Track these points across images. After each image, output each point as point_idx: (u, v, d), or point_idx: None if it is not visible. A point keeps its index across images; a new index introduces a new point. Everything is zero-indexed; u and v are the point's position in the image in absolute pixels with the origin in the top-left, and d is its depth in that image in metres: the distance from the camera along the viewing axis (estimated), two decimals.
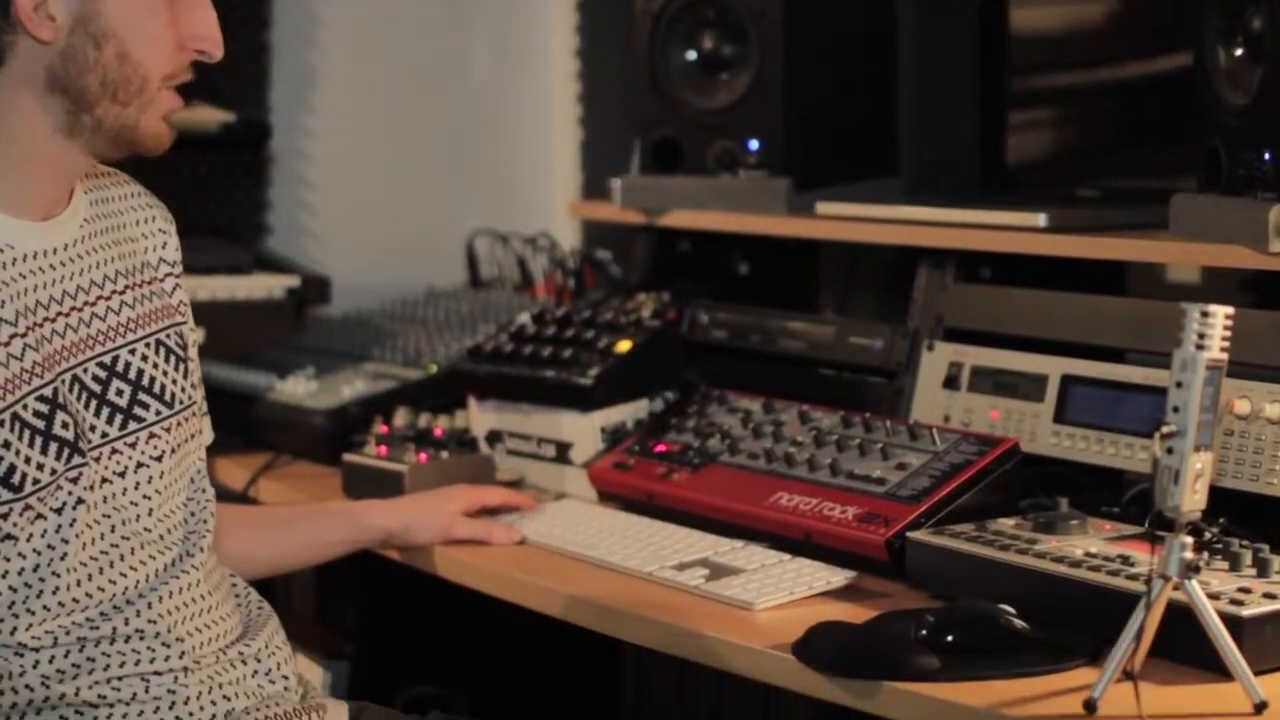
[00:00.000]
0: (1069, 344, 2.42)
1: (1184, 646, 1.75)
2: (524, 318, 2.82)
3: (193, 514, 2.03)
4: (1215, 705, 1.70)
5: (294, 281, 3.23)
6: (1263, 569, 1.89)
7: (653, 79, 2.99)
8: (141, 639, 1.91)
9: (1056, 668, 1.80)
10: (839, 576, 2.12)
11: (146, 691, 1.90)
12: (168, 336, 2.04)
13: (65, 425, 1.87)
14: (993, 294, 2.56)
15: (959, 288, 2.58)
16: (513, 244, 3.36)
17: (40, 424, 1.84)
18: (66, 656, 1.87)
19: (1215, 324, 1.69)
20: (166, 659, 1.91)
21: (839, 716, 2.00)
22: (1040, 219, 2.45)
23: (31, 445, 1.83)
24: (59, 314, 1.91)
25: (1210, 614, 1.70)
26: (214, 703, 1.94)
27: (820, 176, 2.90)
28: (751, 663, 1.95)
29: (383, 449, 2.59)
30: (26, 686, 1.85)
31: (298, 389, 2.94)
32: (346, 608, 3.02)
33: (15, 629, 1.84)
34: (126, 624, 1.90)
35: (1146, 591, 1.69)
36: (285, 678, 2.05)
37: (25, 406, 1.83)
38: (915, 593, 2.09)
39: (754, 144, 2.92)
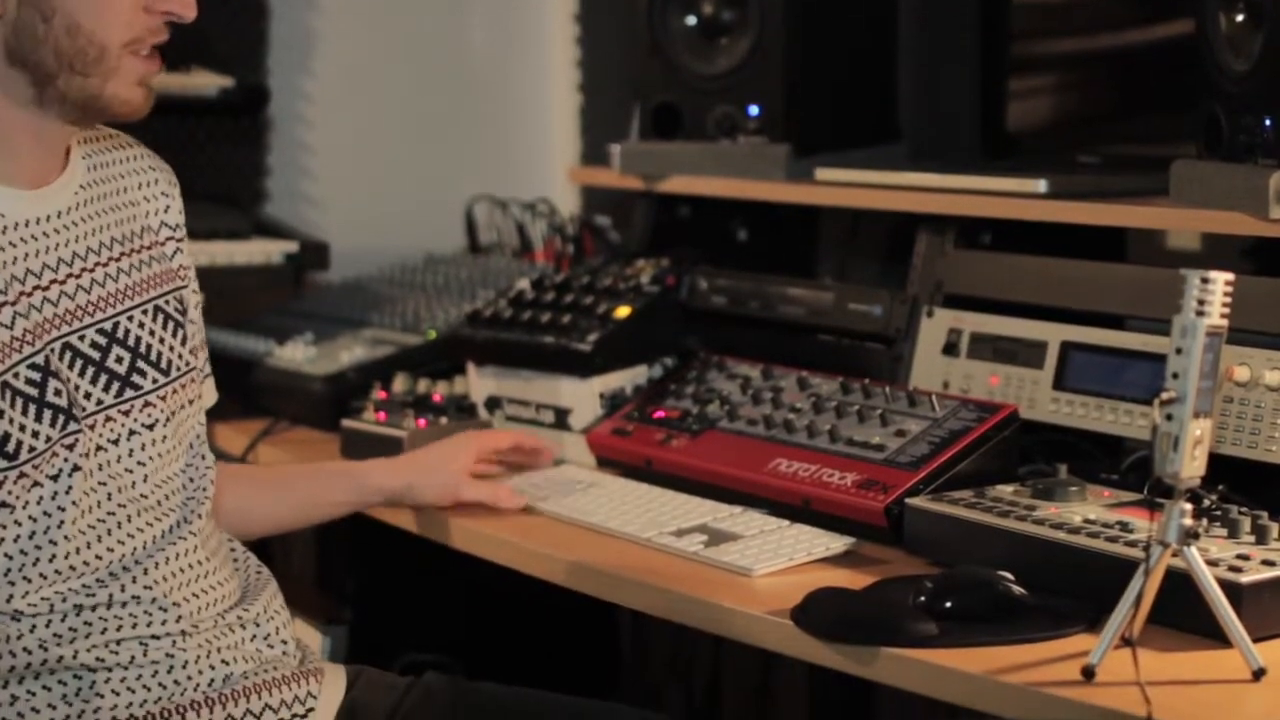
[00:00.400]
0: (1069, 310, 2.41)
1: (1182, 613, 1.75)
2: (523, 284, 2.81)
3: (191, 480, 2.03)
4: (1213, 672, 1.70)
5: (293, 247, 3.23)
6: (1261, 536, 1.89)
7: (652, 44, 2.98)
8: (139, 603, 1.91)
9: (1055, 634, 1.80)
10: (838, 543, 2.12)
11: (144, 655, 1.90)
12: (166, 302, 2.04)
13: (58, 393, 1.87)
14: (992, 260, 2.55)
15: (959, 254, 2.57)
16: (512, 210, 3.35)
17: (33, 391, 1.84)
18: (64, 621, 1.87)
19: (1215, 290, 1.69)
20: (164, 623, 1.92)
21: (837, 682, 2.00)
22: (1040, 185, 2.44)
23: (25, 413, 1.83)
24: (52, 281, 1.90)
25: (1209, 581, 1.70)
26: (212, 667, 1.94)
27: (820, 142, 2.89)
28: (750, 628, 1.95)
29: (381, 415, 2.59)
30: (25, 650, 1.85)
31: (296, 355, 2.94)
32: (345, 573, 3.02)
33: (11, 596, 1.84)
34: (123, 590, 1.90)
35: (1145, 558, 1.69)
36: (284, 642, 2.05)
37: (16, 375, 1.84)
38: (914, 559, 2.09)
39: (754, 109, 2.91)
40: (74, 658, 1.86)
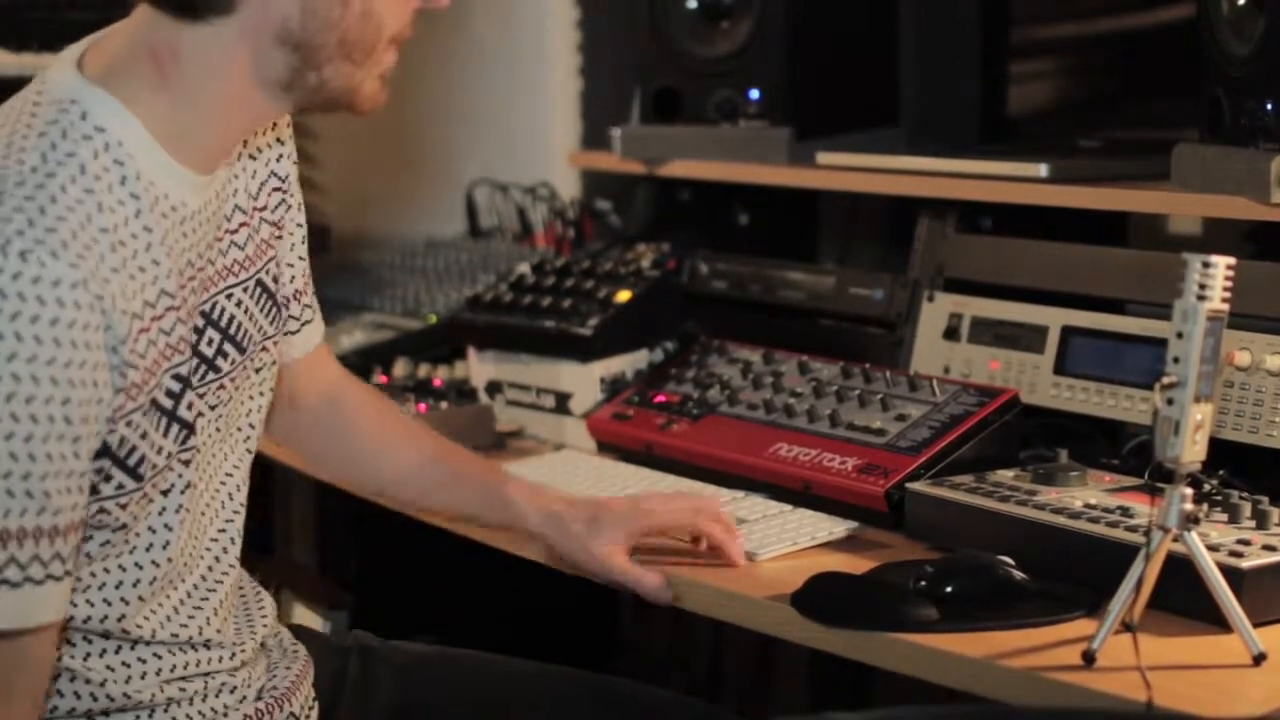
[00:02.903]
0: (1069, 295, 2.41)
1: (1183, 598, 1.75)
2: (523, 268, 2.81)
3: (238, 467, 1.88)
4: (1214, 657, 1.70)
5: None
6: (1262, 521, 1.89)
7: (653, 27, 2.98)
8: (209, 648, 1.82)
9: (1055, 619, 1.80)
10: (840, 527, 2.13)
11: (206, 686, 1.82)
12: (266, 272, 1.87)
13: (189, 406, 1.71)
14: (993, 245, 2.55)
15: (959, 238, 2.57)
16: (512, 194, 3.35)
17: (169, 404, 1.69)
18: (160, 645, 1.77)
19: (1216, 275, 1.68)
20: (220, 660, 1.83)
21: (837, 667, 2.00)
22: (1041, 169, 2.44)
23: (158, 428, 1.68)
24: (198, 271, 1.74)
25: (1209, 565, 1.70)
26: (248, 687, 1.88)
27: (821, 126, 2.89)
28: (750, 613, 1.95)
29: None
30: (108, 696, 1.74)
31: None
32: (347, 558, 3.02)
33: (124, 615, 1.72)
34: (208, 624, 1.81)
35: (1146, 543, 1.69)
36: (295, 646, 2.00)
37: (160, 386, 1.67)
38: (914, 544, 2.09)
39: (755, 93, 2.91)
40: (150, 698, 1.77)
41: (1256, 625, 1.70)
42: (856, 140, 2.85)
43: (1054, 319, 2.39)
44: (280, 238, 1.92)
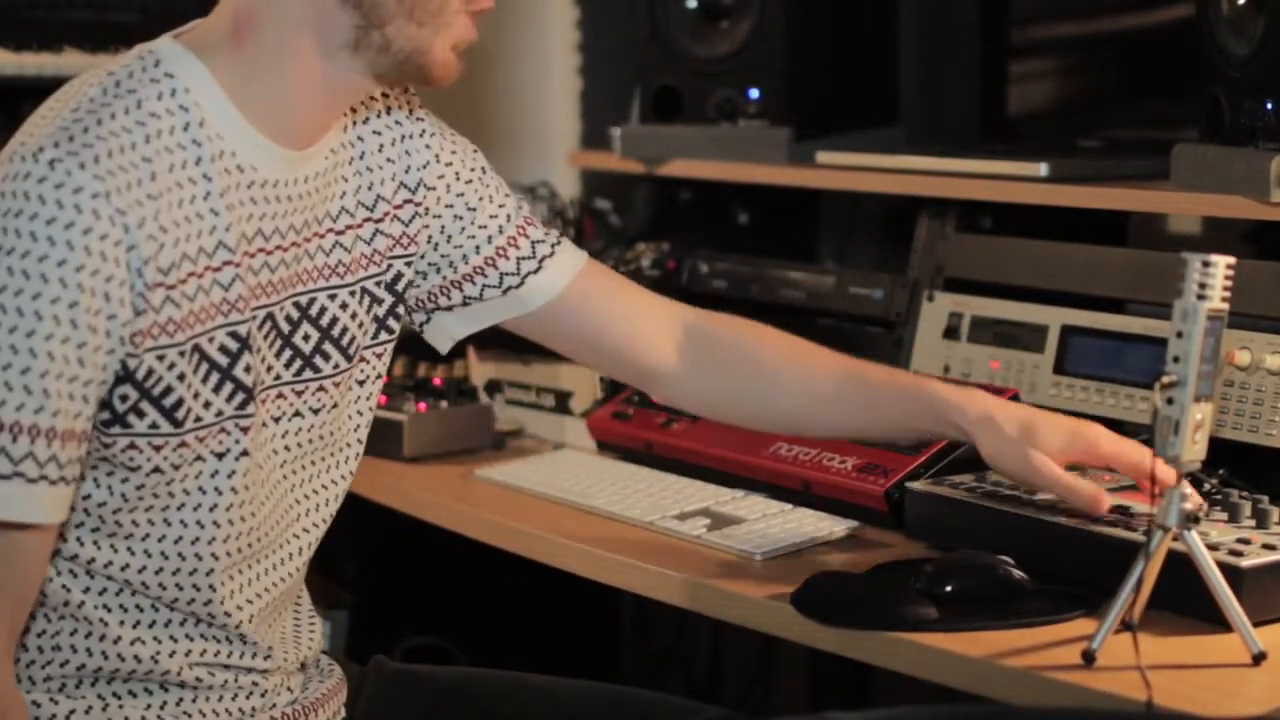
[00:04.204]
0: (1069, 294, 2.41)
1: (1183, 597, 1.75)
2: None
3: (336, 482, 1.91)
4: (1214, 656, 1.70)
5: None
6: (1262, 520, 1.89)
7: (653, 27, 2.97)
8: (244, 641, 1.82)
9: (1055, 618, 1.80)
10: (841, 526, 2.12)
11: (235, 681, 1.83)
12: (376, 283, 1.88)
13: (248, 369, 1.73)
14: (993, 244, 2.55)
15: (959, 238, 2.57)
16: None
17: (223, 361, 1.71)
18: (192, 625, 1.79)
19: (1216, 274, 1.68)
20: (254, 656, 1.84)
21: (837, 666, 2.00)
22: (1041, 169, 2.44)
23: (205, 381, 1.70)
24: (278, 248, 1.76)
25: (1209, 564, 1.70)
26: (278, 694, 1.88)
27: (821, 126, 2.89)
28: (750, 613, 1.95)
29: (382, 399, 2.59)
30: (135, 658, 1.75)
31: None
32: (345, 558, 3.02)
33: (213, 570, 1.74)
34: (261, 613, 1.82)
35: (1146, 542, 1.69)
36: (331, 667, 2.01)
37: (212, 339, 1.70)
38: (914, 543, 2.09)
39: (754, 93, 2.91)
40: (177, 673, 1.78)
41: (1256, 624, 1.70)
42: (856, 140, 2.85)
43: (1054, 318, 2.39)
44: (410, 254, 1.92)
